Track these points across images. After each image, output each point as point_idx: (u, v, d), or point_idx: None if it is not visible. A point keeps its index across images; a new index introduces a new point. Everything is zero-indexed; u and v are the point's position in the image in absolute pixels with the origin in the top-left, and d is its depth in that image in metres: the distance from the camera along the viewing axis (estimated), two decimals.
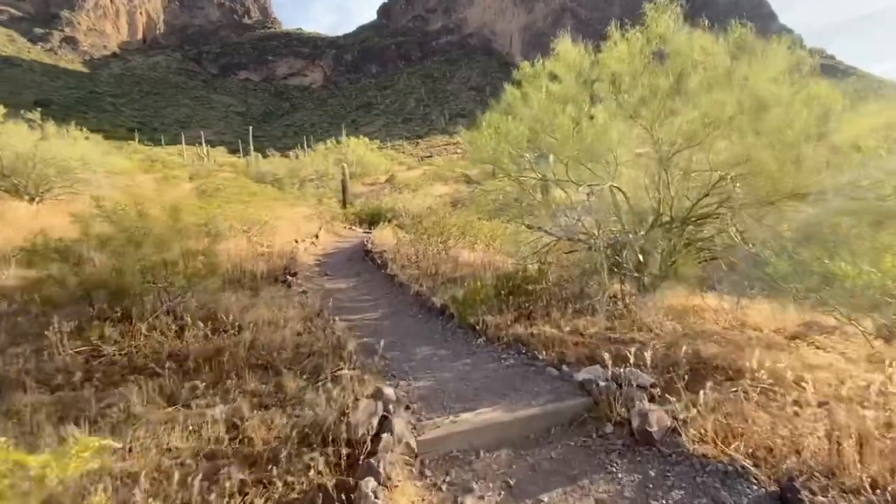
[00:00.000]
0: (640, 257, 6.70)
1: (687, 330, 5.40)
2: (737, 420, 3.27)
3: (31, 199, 15.34)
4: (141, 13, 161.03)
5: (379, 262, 10.23)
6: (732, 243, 6.04)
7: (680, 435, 3.30)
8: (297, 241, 11.40)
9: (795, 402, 3.35)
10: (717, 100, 5.66)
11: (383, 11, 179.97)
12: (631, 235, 6.62)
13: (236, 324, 5.28)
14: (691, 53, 6.01)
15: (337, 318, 6.07)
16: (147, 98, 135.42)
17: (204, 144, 61.52)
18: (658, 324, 5.56)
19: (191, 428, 3.28)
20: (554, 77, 7.22)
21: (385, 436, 3.21)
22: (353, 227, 20.04)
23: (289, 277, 8.17)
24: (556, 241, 7.48)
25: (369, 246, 12.00)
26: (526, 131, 6.90)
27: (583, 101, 6.94)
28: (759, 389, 3.48)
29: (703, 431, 3.24)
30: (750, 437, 3.13)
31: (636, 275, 6.96)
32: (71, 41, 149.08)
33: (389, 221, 20.73)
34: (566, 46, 6.96)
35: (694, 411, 3.36)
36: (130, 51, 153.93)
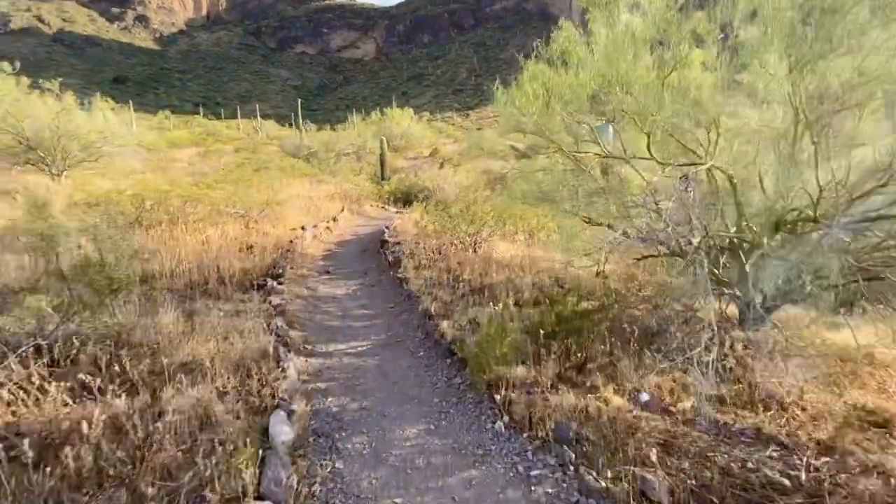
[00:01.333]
0: (749, 269, 4.25)
1: (856, 414, 3.02)
2: None
3: (54, 175, 14.55)
4: None
5: (391, 259, 8.21)
6: None
7: None
8: (302, 228, 9.59)
9: None
10: None
11: None
12: (746, 240, 4.17)
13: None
14: None
15: (299, 359, 4.13)
16: (211, 73, 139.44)
17: (259, 118, 62.14)
18: (796, 393, 3.21)
19: None
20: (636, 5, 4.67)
21: None
22: (386, 206, 18.17)
23: (269, 281, 6.34)
24: (625, 242, 5.09)
25: (386, 235, 10.00)
26: (589, 86, 4.48)
27: (680, 39, 4.37)
28: None
29: None
30: None
31: (738, 294, 4.55)
32: (143, 19, 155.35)
33: (421, 202, 18.71)
34: None
35: None
36: (196, 27, 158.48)
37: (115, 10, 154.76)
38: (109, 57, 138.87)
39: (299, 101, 69.00)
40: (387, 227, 10.86)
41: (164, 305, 4.78)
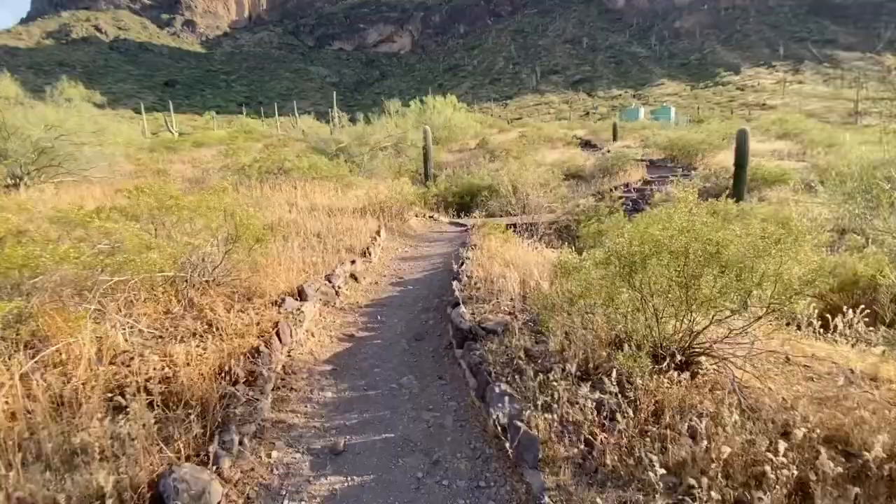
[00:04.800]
0: None
1: None
2: None
3: (8, 186, 10.46)
4: None
5: (492, 371, 3.25)
6: None
7: None
8: (299, 295, 4.70)
9: None
10: None
11: None
12: None
13: None
14: None
15: None
16: (253, 73, 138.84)
17: (297, 115, 59.48)
18: None
19: None
20: None
21: None
22: (436, 215, 13.21)
23: None
24: None
25: (462, 287, 5.07)
26: None
27: None
28: None
29: None
30: None
31: None
32: (190, 24, 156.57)
33: (484, 207, 13.59)
34: None
35: None
36: (239, 29, 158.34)
37: (164, 16, 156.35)
38: (161, 62, 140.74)
39: (334, 93, 65.53)
40: (459, 270, 5.91)
41: None
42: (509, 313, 4.60)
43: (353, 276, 6.13)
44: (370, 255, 7.08)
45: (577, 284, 3.69)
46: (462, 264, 6.30)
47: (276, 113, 62.59)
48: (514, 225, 11.03)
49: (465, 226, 11.80)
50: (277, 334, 3.84)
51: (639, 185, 15.81)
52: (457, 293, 5.09)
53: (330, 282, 5.57)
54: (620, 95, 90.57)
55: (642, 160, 17.11)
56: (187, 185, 11.81)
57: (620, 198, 11.39)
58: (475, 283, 5.51)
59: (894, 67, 76.93)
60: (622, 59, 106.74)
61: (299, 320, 4.31)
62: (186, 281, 4.27)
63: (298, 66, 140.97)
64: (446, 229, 11.62)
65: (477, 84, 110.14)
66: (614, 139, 27.79)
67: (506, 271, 5.62)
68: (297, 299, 4.63)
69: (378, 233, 8.24)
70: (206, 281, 4.51)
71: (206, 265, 4.57)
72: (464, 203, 14.97)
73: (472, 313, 4.61)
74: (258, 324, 3.93)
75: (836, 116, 60.41)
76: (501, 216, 13.12)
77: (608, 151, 18.97)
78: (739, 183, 12.14)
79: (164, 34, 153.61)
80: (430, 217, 12.79)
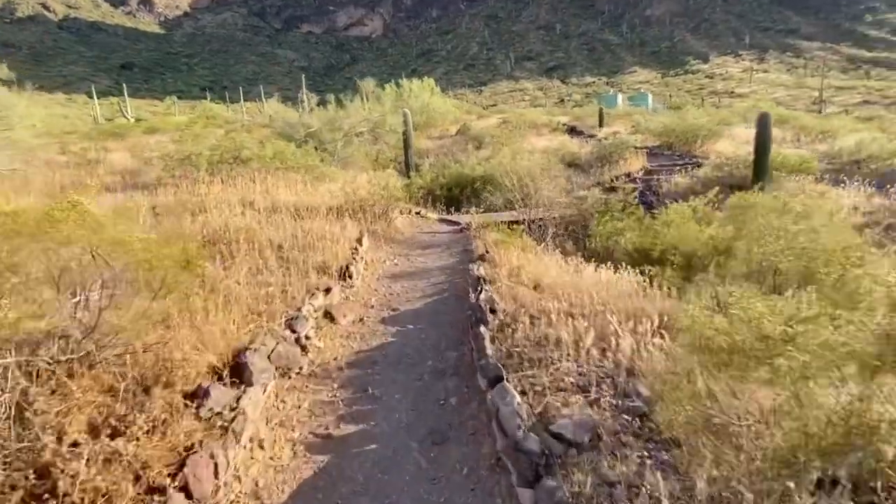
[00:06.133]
0: None
1: None
2: None
3: None
4: None
5: None
6: None
7: None
8: (234, 363, 2.82)
9: None
10: None
11: None
12: None
13: None
14: None
15: None
16: (217, 57, 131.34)
17: (264, 100, 56.10)
18: None
19: None
20: None
21: None
22: (423, 211, 11.30)
23: None
24: None
25: (493, 335, 3.29)
26: None
27: None
28: None
29: None
30: None
31: None
32: (146, 3, 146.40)
33: (484, 203, 11.72)
34: None
35: None
36: (200, 9, 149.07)
37: None
38: (116, 43, 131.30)
39: (303, 75, 61.99)
40: (481, 306, 4.07)
41: None
42: (582, 391, 2.83)
43: (329, 315, 4.23)
44: (351, 276, 5.16)
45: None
46: (480, 291, 4.49)
47: (242, 98, 58.79)
48: (517, 222, 9.28)
49: (458, 224, 9.97)
50: (185, 487, 1.94)
51: (642, 175, 14.31)
52: (489, 352, 3.28)
53: (293, 329, 3.67)
54: (594, 83, 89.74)
55: (642, 148, 15.60)
56: (117, 177, 9.49)
57: (634, 189, 9.78)
58: (509, 325, 3.72)
59: (859, 58, 78.82)
60: (595, 47, 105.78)
61: (236, 431, 2.41)
62: (21, 369, 2.29)
63: (265, 49, 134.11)
64: (438, 229, 9.75)
65: (451, 70, 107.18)
66: (600, 125, 26.35)
67: (547, 302, 3.85)
68: (232, 383, 2.72)
69: (360, 241, 6.31)
70: (71, 361, 2.54)
71: (74, 331, 2.59)
72: (452, 196, 13.08)
73: (523, 391, 2.82)
74: (147, 465, 2.01)
75: (801, 105, 61.20)
76: (498, 212, 11.34)
77: (605, 138, 17.39)
78: (762, 172, 10.72)
79: (118, 13, 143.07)
80: (416, 214, 10.88)
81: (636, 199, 9.88)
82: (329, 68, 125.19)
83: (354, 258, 5.48)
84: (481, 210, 10.90)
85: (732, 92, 73.89)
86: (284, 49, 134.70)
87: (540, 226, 8.90)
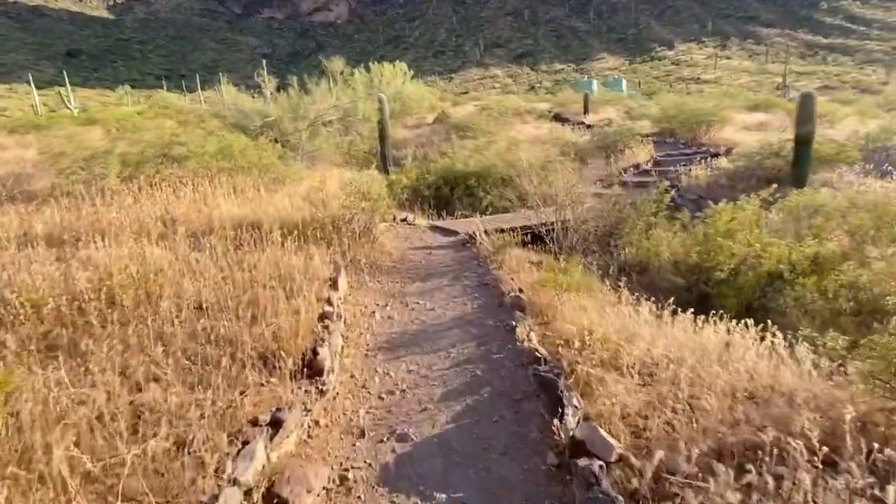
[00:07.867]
0: None
1: None
2: None
3: None
4: None
5: None
6: None
7: None
8: None
9: None
10: None
11: None
12: None
13: None
14: None
15: None
16: (173, 43, 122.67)
17: (223, 87, 51.67)
18: None
19: None
20: None
21: None
22: (410, 217, 9.08)
23: None
24: None
25: None
26: None
27: None
28: None
29: None
30: None
31: None
32: None
33: (490, 206, 9.52)
34: None
35: None
36: None
37: None
38: (60, 28, 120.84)
39: (264, 61, 57.66)
40: (577, 440, 2.00)
41: None
42: None
43: (274, 497, 2.07)
44: (321, 370, 2.98)
45: None
46: (562, 409, 2.43)
47: (200, 87, 54.08)
48: (533, 233, 7.27)
49: (456, 233, 7.84)
50: None
51: (650, 167, 12.54)
52: None
53: None
54: (563, 70, 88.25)
55: (648, 136, 13.81)
56: None
57: (668, 189, 7.89)
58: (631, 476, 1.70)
59: (816, 45, 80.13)
60: (563, 33, 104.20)
61: None
62: None
63: (225, 35, 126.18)
64: (432, 241, 7.59)
65: (420, 57, 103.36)
66: (586, 112, 24.61)
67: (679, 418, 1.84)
68: None
69: (334, 283, 4.13)
70: None
71: None
72: (442, 196, 10.90)
73: None
74: None
75: (765, 90, 61.49)
76: (501, 212, 9.30)
77: (607, 124, 15.52)
78: (803, 164, 9.05)
79: None
80: (402, 221, 8.66)
81: (672, 199, 8.02)
82: (294, 55, 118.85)
83: (327, 324, 3.30)
84: (477, 213, 8.81)
85: (698, 78, 73.83)
86: (246, 35, 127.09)
87: (563, 233, 6.91)
